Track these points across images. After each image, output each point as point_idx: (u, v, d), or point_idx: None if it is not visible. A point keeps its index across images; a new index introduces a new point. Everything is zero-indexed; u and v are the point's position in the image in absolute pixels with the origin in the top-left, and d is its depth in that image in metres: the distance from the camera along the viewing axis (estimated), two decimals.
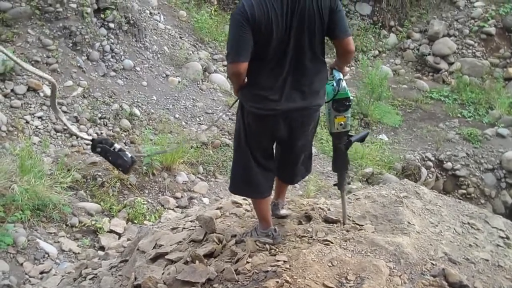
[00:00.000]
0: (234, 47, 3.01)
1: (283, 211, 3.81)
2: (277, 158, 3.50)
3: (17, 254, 5.62)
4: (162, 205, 6.93)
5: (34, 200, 6.02)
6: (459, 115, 11.00)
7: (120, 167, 2.82)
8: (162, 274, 3.41)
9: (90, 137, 2.81)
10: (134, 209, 6.63)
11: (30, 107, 7.70)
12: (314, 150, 8.87)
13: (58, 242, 5.97)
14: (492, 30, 12.31)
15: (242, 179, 3.40)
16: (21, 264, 5.57)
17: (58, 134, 7.59)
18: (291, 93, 3.12)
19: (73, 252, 5.89)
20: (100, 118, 8.08)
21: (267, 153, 3.40)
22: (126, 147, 7.73)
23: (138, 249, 3.95)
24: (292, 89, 3.12)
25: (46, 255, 5.74)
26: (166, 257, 3.62)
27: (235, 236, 3.61)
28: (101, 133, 7.83)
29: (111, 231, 6.28)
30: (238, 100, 3.32)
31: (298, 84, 3.13)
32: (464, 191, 9.21)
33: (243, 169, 3.36)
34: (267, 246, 3.42)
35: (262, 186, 3.41)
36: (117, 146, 2.76)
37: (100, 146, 2.75)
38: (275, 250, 3.37)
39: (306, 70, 3.13)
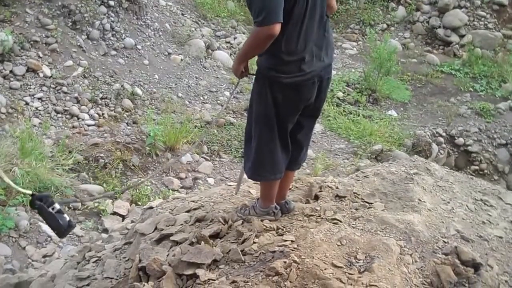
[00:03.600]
0: (268, 6, 2.77)
1: (292, 204, 3.67)
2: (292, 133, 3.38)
3: (19, 238, 5.61)
4: (166, 186, 6.86)
5: (35, 183, 5.96)
6: (471, 89, 10.80)
7: (54, 230, 2.69)
8: (167, 255, 3.36)
9: (30, 192, 2.67)
10: (137, 191, 6.59)
11: (30, 88, 7.68)
12: (321, 127, 8.75)
13: None
14: (505, 0, 12.11)
15: (269, 162, 3.29)
16: (24, 248, 5.55)
17: (59, 115, 7.59)
18: (318, 51, 3.10)
19: (76, 235, 5.87)
20: (101, 99, 8.04)
21: (291, 127, 3.28)
22: (129, 127, 7.68)
23: (136, 231, 3.87)
24: (318, 47, 3.09)
25: (49, 239, 5.72)
26: (171, 238, 3.57)
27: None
28: (103, 114, 7.76)
29: (114, 213, 6.26)
30: (256, 80, 3.17)
31: (322, 41, 3.12)
32: (477, 167, 9.06)
33: (269, 152, 3.26)
34: (274, 225, 3.36)
35: (282, 167, 3.34)
36: (57, 206, 2.61)
37: (38, 204, 2.60)
38: (282, 229, 3.33)
39: (325, 26, 3.12)
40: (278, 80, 3.06)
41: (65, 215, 2.60)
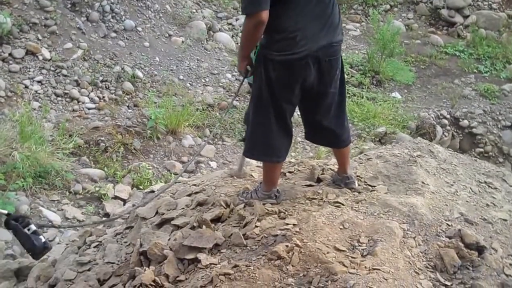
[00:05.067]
0: None
1: (353, 179, 3.64)
2: (311, 118, 3.40)
3: None
4: (168, 170, 6.83)
5: (35, 167, 5.95)
6: (475, 70, 10.71)
7: (29, 252, 2.62)
8: (168, 240, 3.33)
9: (6, 211, 2.60)
10: (139, 175, 6.54)
11: (29, 71, 7.62)
12: None
13: (62, 209, 5.90)
14: None
15: (262, 142, 3.29)
16: None
17: (59, 98, 7.53)
18: (316, 31, 3.04)
19: (77, 220, 5.82)
20: (101, 81, 7.98)
21: (293, 109, 3.29)
22: (130, 110, 7.64)
23: (137, 216, 3.86)
24: (316, 26, 3.04)
25: (50, 223, 5.62)
26: (172, 222, 3.54)
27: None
28: (103, 97, 7.70)
29: (115, 198, 6.21)
30: (256, 58, 3.17)
31: (321, 21, 3.06)
32: (481, 150, 9.01)
33: (263, 131, 3.26)
34: (276, 209, 3.34)
35: (281, 149, 3.33)
36: (32, 227, 2.54)
37: (13, 224, 2.53)
38: (284, 213, 3.30)
39: (328, 4, 3.07)
40: (270, 58, 3.07)
41: (41, 237, 2.54)
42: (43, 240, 2.54)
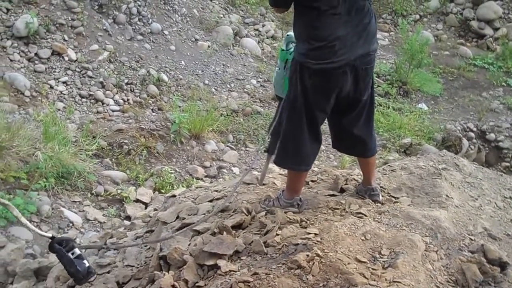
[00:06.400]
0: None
1: (377, 192, 3.60)
2: (340, 126, 3.37)
3: (41, 222, 5.56)
4: (190, 175, 6.81)
5: (58, 167, 5.95)
6: (504, 83, 10.54)
7: (72, 277, 2.56)
8: (188, 245, 3.32)
9: (50, 235, 2.57)
10: (161, 178, 6.54)
11: (55, 72, 7.67)
12: None
13: (83, 211, 5.91)
14: None
15: (293, 150, 3.28)
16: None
17: (83, 99, 7.57)
18: (354, 39, 3.04)
19: (98, 222, 5.83)
20: (126, 84, 8.00)
21: (325, 117, 3.29)
22: (154, 114, 7.66)
23: (158, 220, 3.85)
24: (355, 35, 3.03)
25: (71, 224, 5.67)
26: (193, 228, 3.51)
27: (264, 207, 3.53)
28: (128, 100, 7.72)
29: (137, 201, 6.20)
30: (291, 65, 3.19)
31: (359, 29, 3.05)
32: (508, 164, 8.84)
33: (295, 139, 3.25)
34: (298, 218, 3.32)
35: (309, 158, 3.33)
36: (76, 251, 2.50)
37: (56, 248, 2.49)
38: (306, 222, 3.27)
39: (366, 13, 3.07)
40: (307, 66, 3.04)
41: (85, 261, 2.50)
42: (87, 264, 2.50)
